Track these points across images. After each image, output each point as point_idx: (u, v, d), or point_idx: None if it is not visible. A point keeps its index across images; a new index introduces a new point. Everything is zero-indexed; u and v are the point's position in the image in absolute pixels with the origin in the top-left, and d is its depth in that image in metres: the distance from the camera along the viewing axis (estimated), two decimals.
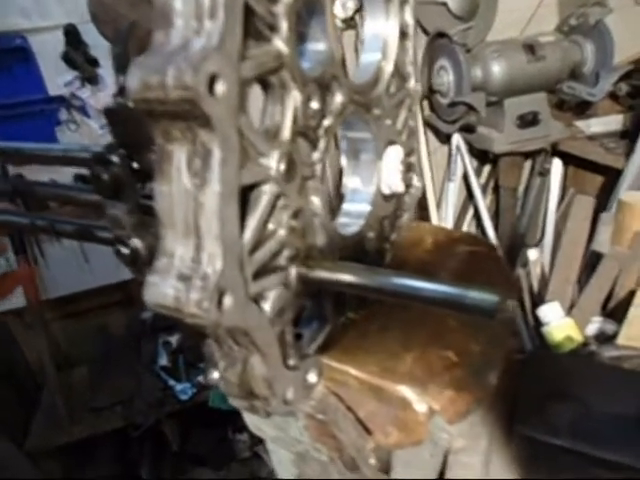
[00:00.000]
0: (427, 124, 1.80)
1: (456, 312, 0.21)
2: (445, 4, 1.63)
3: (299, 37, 0.25)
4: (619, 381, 0.34)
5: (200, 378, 1.91)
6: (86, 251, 1.98)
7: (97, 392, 1.98)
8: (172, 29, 0.19)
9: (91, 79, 1.64)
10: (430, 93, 1.69)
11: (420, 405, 0.27)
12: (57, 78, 1.66)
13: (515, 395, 0.34)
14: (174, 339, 2.05)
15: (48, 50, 1.62)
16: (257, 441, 1.98)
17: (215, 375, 0.46)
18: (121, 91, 0.24)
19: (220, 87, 0.18)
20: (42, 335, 1.89)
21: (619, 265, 1.01)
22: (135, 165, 0.25)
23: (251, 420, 0.46)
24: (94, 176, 0.25)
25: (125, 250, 0.28)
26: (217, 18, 0.18)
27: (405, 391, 0.27)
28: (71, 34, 1.58)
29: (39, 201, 1.28)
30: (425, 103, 1.78)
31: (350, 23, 1.66)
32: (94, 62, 1.64)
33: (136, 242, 0.28)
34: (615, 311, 1.02)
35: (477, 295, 0.20)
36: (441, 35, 1.57)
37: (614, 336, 0.91)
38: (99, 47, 1.61)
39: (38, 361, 2.03)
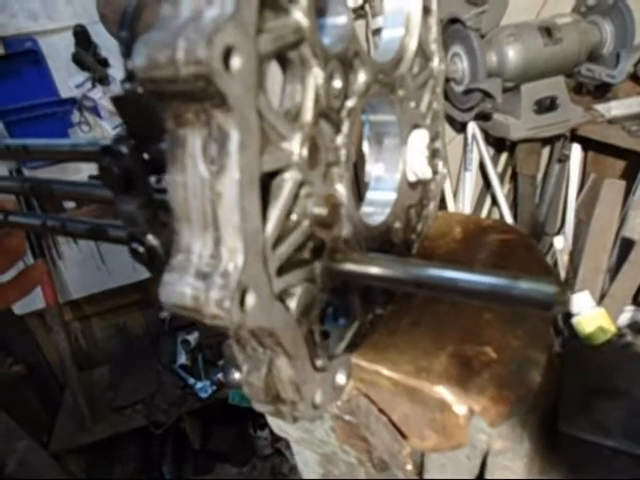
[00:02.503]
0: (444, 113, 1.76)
1: (504, 306, 0.19)
2: None
3: (318, 11, 0.23)
4: None
5: (220, 376, 1.91)
6: (103, 252, 1.99)
7: (118, 391, 2.00)
8: (181, 0, 0.17)
9: (102, 80, 1.63)
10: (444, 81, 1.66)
11: (460, 407, 0.25)
12: (68, 80, 1.66)
13: (557, 393, 0.32)
14: (193, 338, 2.05)
15: (58, 52, 1.62)
16: (278, 438, 1.98)
17: (235, 375, 0.44)
18: (129, 77, 0.22)
19: (236, 61, 0.16)
20: (62, 336, 1.91)
21: None
22: (146, 156, 0.23)
23: (274, 422, 0.44)
24: (103, 169, 0.23)
25: (140, 248, 0.26)
26: None
27: (443, 392, 0.25)
28: (80, 35, 1.57)
29: (55, 204, 1.28)
30: None
31: (360, 13, 1.63)
32: (104, 62, 1.63)
33: (152, 239, 0.26)
34: None
35: (530, 286, 0.18)
36: (454, 21, 1.53)
37: None
38: (109, 47, 1.61)
39: (59, 362, 2.05)
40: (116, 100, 0.22)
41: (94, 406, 1.91)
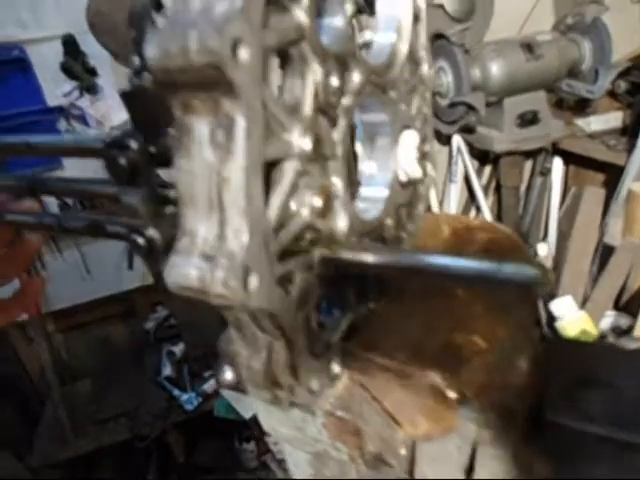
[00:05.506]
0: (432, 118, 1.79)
1: (494, 287, 0.20)
2: (442, 6, 1.63)
3: (317, 11, 0.24)
4: None
5: (205, 387, 1.89)
6: (88, 262, 1.97)
7: (101, 404, 1.96)
8: None
9: (90, 88, 1.64)
10: None
11: (451, 392, 0.26)
12: (56, 88, 1.66)
13: (543, 383, 0.33)
14: (178, 349, 2.03)
15: (46, 61, 1.62)
16: (264, 450, 1.96)
17: (228, 375, 0.44)
18: (137, 73, 0.23)
19: (244, 52, 0.17)
20: (44, 348, 1.88)
21: (632, 257, 1.00)
22: (153, 150, 0.24)
23: (267, 421, 0.44)
24: (110, 161, 0.24)
25: (141, 240, 0.27)
26: None
27: (435, 378, 0.26)
28: (70, 44, 1.58)
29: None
30: None
31: None
32: (93, 71, 1.64)
33: (152, 232, 0.27)
34: (629, 304, 1.00)
35: (514, 269, 0.19)
36: (439, 36, 1.57)
37: (628, 331, 0.90)
38: (97, 56, 1.62)
39: (40, 374, 2.01)
40: (124, 95, 0.23)
41: (76, 419, 1.87)
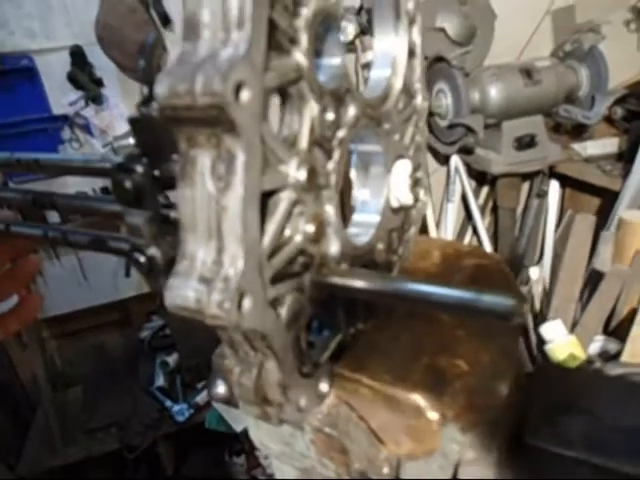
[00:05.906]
0: (426, 146, 1.82)
1: (470, 316, 0.21)
2: (443, 30, 1.67)
3: (316, 52, 0.26)
4: (629, 393, 0.35)
5: (198, 398, 1.88)
6: (85, 269, 1.98)
7: (92, 413, 1.95)
8: (199, 40, 0.20)
9: (95, 99, 1.67)
10: (429, 115, 1.72)
11: (433, 413, 0.27)
12: (62, 97, 1.69)
13: (524, 407, 0.34)
14: (172, 359, 2.03)
15: (54, 70, 1.65)
16: (254, 464, 1.95)
17: (220, 389, 0.45)
18: (145, 101, 0.25)
19: (245, 94, 0.19)
20: (38, 354, 1.87)
21: (621, 283, 1.02)
22: (157, 173, 0.26)
23: (256, 435, 0.45)
24: (116, 184, 0.25)
25: (142, 258, 0.28)
26: (244, 29, 0.19)
27: (418, 399, 0.27)
28: (77, 55, 1.61)
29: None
30: None
31: (350, 47, 1.71)
32: (99, 82, 1.67)
33: (153, 250, 0.28)
34: (617, 330, 1.02)
35: (492, 299, 0.20)
36: (439, 59, 1.60)
37: (616, 355, 0.91)
38: (104, 68, 1.65)
39: (32, 381, 2.00)
40: (132, 121, 0.25)
41: (66, 428, 1.86)
